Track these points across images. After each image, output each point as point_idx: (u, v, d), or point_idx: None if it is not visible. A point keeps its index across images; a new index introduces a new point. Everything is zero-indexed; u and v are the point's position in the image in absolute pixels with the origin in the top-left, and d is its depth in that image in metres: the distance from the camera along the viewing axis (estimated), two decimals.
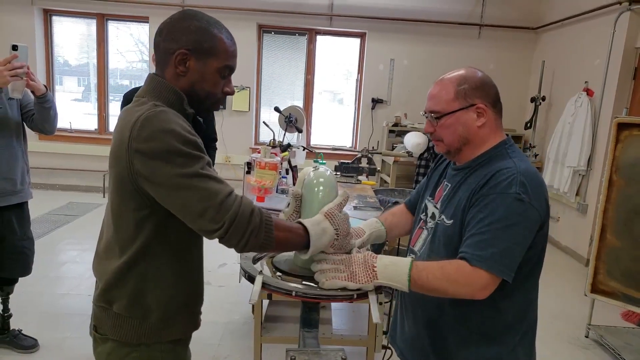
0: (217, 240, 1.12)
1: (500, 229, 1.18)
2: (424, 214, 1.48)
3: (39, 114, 2.45)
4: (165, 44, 1.19)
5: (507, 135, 1.38)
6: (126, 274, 1.21)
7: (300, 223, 1.20)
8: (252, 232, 1.10)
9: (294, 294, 1.19)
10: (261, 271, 1.27)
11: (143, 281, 1.21)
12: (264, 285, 1.22)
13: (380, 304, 2.25)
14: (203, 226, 1.09)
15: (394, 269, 1.20)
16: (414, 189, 1.66)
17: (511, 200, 1.19)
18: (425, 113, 1.39)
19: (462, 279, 1.18)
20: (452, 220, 1.31)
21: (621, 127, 3.03)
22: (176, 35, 1.18)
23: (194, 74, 1.20)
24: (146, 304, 1.22)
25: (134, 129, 1.10)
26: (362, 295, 1.21)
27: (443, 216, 1.35)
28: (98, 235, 1.32)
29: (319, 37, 6.51)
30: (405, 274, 1.19)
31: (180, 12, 1.24)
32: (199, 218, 1.08)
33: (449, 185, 1.40)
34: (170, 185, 1.09)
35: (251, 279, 1.26)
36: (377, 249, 2.02)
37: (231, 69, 1.26)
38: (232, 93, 1.29)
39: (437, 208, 1.41)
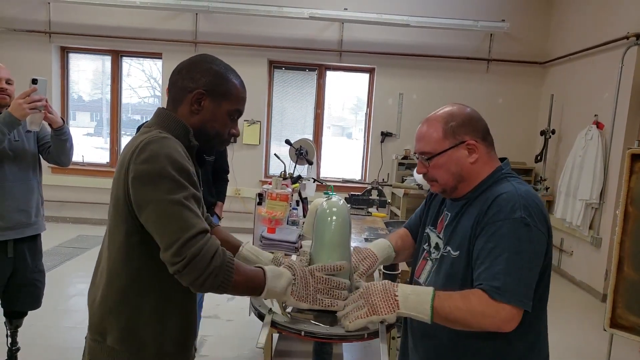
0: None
1: (512, 257, 1.16)
2: (426, 244, 1.45)
3: (55, 146, 2.48)
4: (184, 83, 1.27)
5: (501, 160, 1.37)
6: (119, 305, 1.21)
7: (260, 267, 1.21)
8: (210, 274, 1.09)
9: (302, 334, 1.18)
10: (270, 309, 1.26)
11: (136, 313, 1.21)
12: (273, 324, 1.21)
13: (393, 338, 2.20)
14: (166, 257, 1.10)
15: (415, 299, 1.16)
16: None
17: (518, 226, 1.17)
18: (416, 154, 1.37)
19: (488, 311, 1.14)
20: (458, 252, 1.29)
21: (635, 158, 3.01)
22: (195, 76, 1.26)
23: (206, 113, 1.28)
24: (140, 337, 1.22)
25: (135, 151, 1.15)
26: (373, 334, 1.19)
27: (449, 248, 1.32)
28: None
29: (328, 73, 6.62)
30: (428, 304, 1.15)
31: (200, 55, 1.33)
32: (168, 248, 1.09)
33: (449, 214, 1.38)
34: (152, 209, 1.11)
35: (261, 317, 1.24)
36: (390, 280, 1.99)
37: (240, 113, 1.34)
38: (237, 135, 1.37)
39: (440, 238, 1.39)
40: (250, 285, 1.17)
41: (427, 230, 1.47)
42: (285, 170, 3.25)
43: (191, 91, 1.26)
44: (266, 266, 1.22)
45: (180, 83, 1.28)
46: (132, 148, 1.17)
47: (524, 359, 1.28)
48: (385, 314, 1.15)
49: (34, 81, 2.20)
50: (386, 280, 1.23)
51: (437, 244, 1.40)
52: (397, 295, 1.17)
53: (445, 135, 1.30)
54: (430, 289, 1.18)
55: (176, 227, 1.09)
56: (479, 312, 1.14)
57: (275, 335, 2.64)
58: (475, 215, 1.26)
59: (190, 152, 1.28)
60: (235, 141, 1.44)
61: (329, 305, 1.22)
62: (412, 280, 1.49)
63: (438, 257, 1.37)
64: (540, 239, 1.19)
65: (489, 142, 1.34)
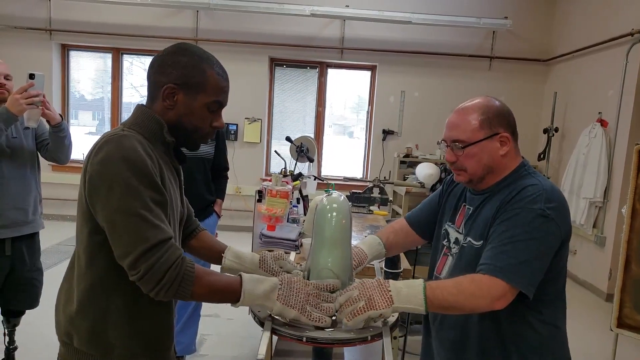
0: None
1: (521, 242, 1.18)
2: (445, 240, 1.46)
3: (54, 143, 2.45)
4: (156, 77, 1.22)
5: (522, 157, 1.40)
6: (85, 306, 1.17)
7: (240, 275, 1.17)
8: (163, 287, 1.08)
9: (304, 339, 1.15)
10: (269, 314, 1.22)
11: (103, 314, 1.17)
12: (274, 330, 1.19)
13: (395, 338, 2.17)
14: (124, 266, 1.09)
15: (408, 292, 1.17)
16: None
17: (534, 216, 1.20)
18: (445, 142, 1.37)
19: (479, 291, 1.17)
20: (481, 241, 1.30)
21: None
22: (166, 70, 1.20)
23: (181, 108, 1.21)
24: (106, 339, 1.18)
25: (93, 150, 1.12)
26: (377, 335, 1.17)
27: (470, 238, 1.33)
28: None
29: (330, 70, 6.59)
30: (421, 293, 1.16)
31: (174, 46, 1.25)
32: (122, 258, 1.08)
33: (471, 207, 1.38)
34: (105, 216, 1.08)
35: (261, 323, 1.21)
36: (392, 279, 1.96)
37: (220, 104, 1.26)
38: (221, 127, 1.29)
39: (459, 232, 1.39)
40: (219, 297, 1.15)
41: (445, 226, 1.48)
42: (285, 168, 3.22)
43: (162, 86, 1.19)
44: (247, 274, 1.17)
45: (153, 78, 1.22)
46: (92, 146, 1.13)
47: (546, 344, 1.30)
48: (383, 308, 1.13)
49: (31, 76, 2.17)
50: (379, 277, 1.22)
51: (456, 238, 1.41)
52: (389, 290, 1.17)
53: (482, 125, 1.31)
54: (421, 281, 1.20)
55: (129, 240, 1.06)
56: (471, 293, 1.17)
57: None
58: (498, 205, 1.28)
59: (166, 148, 1.23)
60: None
61: (316, 320, 1.14)
62: (432, 277, 1.50)
63: (458, 251, 1.38)
64: (554, 232, 1.22)
65: (516, 137, 1.38)
